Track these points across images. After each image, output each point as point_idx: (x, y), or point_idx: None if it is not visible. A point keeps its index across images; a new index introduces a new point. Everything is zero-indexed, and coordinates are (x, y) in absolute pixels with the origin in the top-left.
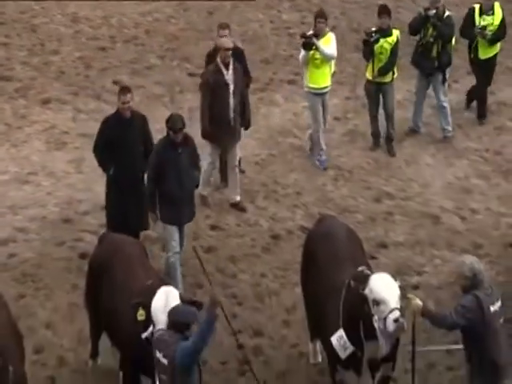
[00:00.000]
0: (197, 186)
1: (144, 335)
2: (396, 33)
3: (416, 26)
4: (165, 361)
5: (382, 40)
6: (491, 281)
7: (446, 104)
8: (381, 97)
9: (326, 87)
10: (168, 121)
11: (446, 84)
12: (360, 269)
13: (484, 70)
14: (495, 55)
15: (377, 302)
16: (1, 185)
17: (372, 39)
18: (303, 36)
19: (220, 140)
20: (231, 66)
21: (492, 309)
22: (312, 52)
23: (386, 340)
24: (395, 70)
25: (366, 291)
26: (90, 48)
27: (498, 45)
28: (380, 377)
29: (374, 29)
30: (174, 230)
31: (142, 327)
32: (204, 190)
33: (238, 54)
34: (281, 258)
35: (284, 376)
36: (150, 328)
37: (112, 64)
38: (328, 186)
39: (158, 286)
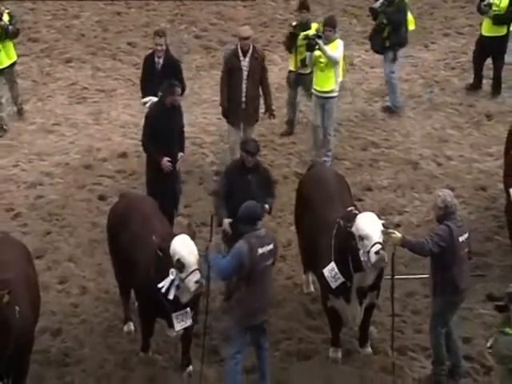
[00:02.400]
0: (269, 213)
1: (161, 285)
2: (315, 26)
3: (372, 13)
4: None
5: (302, 33)
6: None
7: (393, 81)
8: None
9: (329, 91)
10: (244, 143)
11: (396, 62)
12: (349, 209)
13: (482, 48)
14: (500, 38)
15: (361, 238)
16: (29, 134)
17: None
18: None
19: (234, 120)
20: (249, 54)
21: (460, 239)
22: (318, 54)
23: (371, 271)
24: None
25: (353, 229)
26: (107, 13)
27: (505, 29)
28: (366, 304)
29: (294, 23)
30: None
31: (156, 276)
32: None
33: (173, 65)
34: (278, 201)
35: (280, 304)
36: (169, 278)
37: (127, 27)
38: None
39: (173, 236)
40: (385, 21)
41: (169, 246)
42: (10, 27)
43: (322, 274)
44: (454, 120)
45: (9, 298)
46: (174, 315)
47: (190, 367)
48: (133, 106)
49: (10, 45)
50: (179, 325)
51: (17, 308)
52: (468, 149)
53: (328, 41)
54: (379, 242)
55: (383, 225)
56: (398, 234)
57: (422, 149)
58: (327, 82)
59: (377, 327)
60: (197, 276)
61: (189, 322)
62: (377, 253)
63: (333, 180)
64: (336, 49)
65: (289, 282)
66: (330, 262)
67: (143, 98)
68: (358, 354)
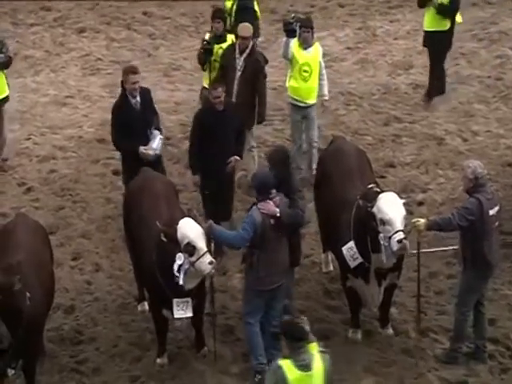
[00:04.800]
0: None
1: (175, 272)
2: (231, 38)
3: None
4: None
5: (216, 46)
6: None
7: None
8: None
9: (309, 103)
10: (272, 154)
11: None
12: (369, 186)
13: (428, 44)
14: (443, 33)
15: (383, 222)
16: (41, 106)
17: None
18: (286, 24)
19: None
20: (246, 53)
21: (491, 212)
22: (301, 63)
23: (390, 256)
24: None
25: (374, 209)
26: None
27: (448, 24)
28: (387, 284)
29: (207, 36)
30: None
31: (158, 262)
32: None
33: (145, 94)
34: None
35: (298, 283)
36: (176, 263)
37: None
38: (340, 110)
39: (177, 221)
40: None
41: (174, 232)
42: (1, 56)
43: (341, 252)
44: (480, 94)
45: (19, 285)
46: (175, 301)
47: (205, 348)
48: (148, 78)
49: (1, 77)
50: (179, 313)
51: (28, 294)
52: (495, 124)
53: (306, 44)
54: (402, 230)
55: (405, 204)
56: (421, 221)
57: (447, 124)
58: (310, 94)
59: (398, 308)
60: (209, 257)
61: (189, 313)
62: (399, 241)
63: (354, 156)
64: (318, 55)
65: (307, 260)
66: (349, 240)
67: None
68: (378, 335)
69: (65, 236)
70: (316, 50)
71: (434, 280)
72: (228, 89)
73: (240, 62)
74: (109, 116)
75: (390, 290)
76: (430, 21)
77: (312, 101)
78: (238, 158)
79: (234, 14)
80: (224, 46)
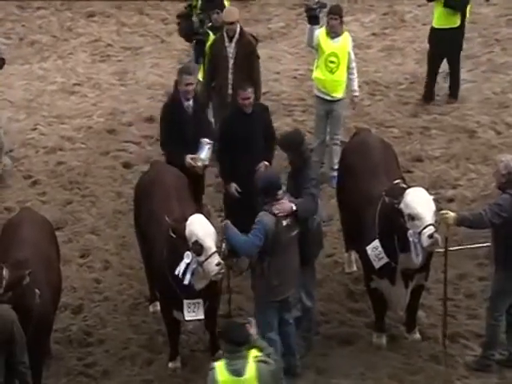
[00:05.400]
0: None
1: (177, 271)
2: None
3: None
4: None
5: (212, 37)
6: None
7: None
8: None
9: (336, 97)
10: (285, 137)
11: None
12: (396, 182)
13: (434, 41)
14: (453, 30)
15: (412, 217)
16: (48, 95)
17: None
18: (308, 9)
19: (219, 114)
20: (235, 39)
21: None
22: (327, 53)
23: (420, 253)
24: None
25: (402, 205)
26: None
27: (457, 20)
28: (413, 286)
29: (195, 21)
30: None
31: (169, 259)
32: None
33: (199, 98)
34: (317, 171)
35: (320, 284)
36: (183, 261)
37: None
38: (365, 100)
39: (187, 216)
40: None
41: (183, 228)
42: None
43: (365, 252)
44: None
45: (28, 282)
46: (185, 302)
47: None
48: (161, 66)
49: None
50: (189, 315)
51: (37, 291)
52: None
53: (334, 33)
54: (432, 224)
55: (434, 200)
56: (451, 214)
57: (480, 115)
58: (337, 88)
59: (426, 311)
60: (217, 258)
61: (200, 315)
62: (430, 236)
63: (379, 149)
64: (347, 46)
65: (329, 260)
66: (374, 239)
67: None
68: (404, 340)
69: (73, 232)
70: (345, 39)
71: (464, 282)
72: (222, 81)
73: (231, 49)
74: (119, 105)
75: (417, 291)
76: (438, 17)
77: (338, 95)
78: (267, 163)
79: None
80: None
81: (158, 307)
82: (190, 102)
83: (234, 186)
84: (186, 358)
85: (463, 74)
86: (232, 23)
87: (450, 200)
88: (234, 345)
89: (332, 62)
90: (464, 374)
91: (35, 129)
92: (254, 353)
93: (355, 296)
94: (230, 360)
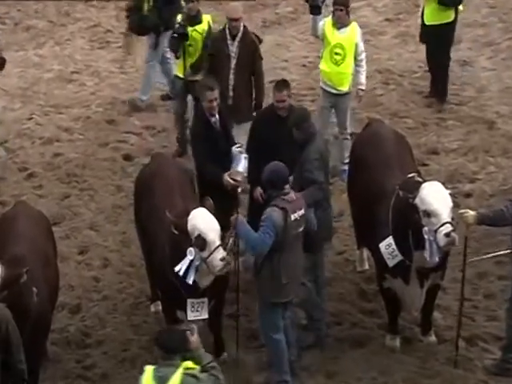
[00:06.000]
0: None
1: (178, 267)
2: (207, 19)
3: None
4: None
5: (190, 29)
6: None
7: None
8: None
9: (341, 90)
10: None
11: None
12: (410, 176)
13: (429, 39)
14: (446, 26)
15: (428, 214)
16: (45, 83)
17: (179, 32)
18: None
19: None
20: (239, 37)
21: None
22: (333, 44)
23: (435, 252)
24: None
25: (417, 201)
26: None
27: (452, 14)
28: (429, 285)
29: (179, 19)
30: None
31: (172, 256)
32: None
33: (222, 109)
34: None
35: (330, 283)
36: (186, 258)
37: None
38: (377, 89)
39: (189, 211)
40: None
41: (185, 223)
42: None
43: (378, 249)
44: None
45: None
46: (189, 301)
47: (225, 354)
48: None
49: None
50: (193, 314)
51: (34, 290)
52: None
53: (341, 24)
54: (450, 222)
55: (451, 195)
56: (471, 213)
57: (499, 105)
58: (343, 81)
59: (442, 312)
60: (222, 253)
61: (204, 315)
62: (447, 235)
63: (392, 141)
64: (355, 37)
65: (340, 257)
66: (388, 236)
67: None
68: (419, 343)
69: (70, 227)
70: (353, 30)
71: (483, 281)
72: (222, 80)
73: (233, 48)
74: (119, 94)
75: (433, 291)
76: (431, 13)
77: (344, 88)
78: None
79: None
80: (199, 28)
81: (160, 307)
82: (216, 117)
83: (259, 191)
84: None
85: (482, 62)
86: (236, 20)
87: (468, 195)
88: (165, 351)
89: (337, 53)
90: (483, 379)
91: (31, 119)
92: (187, 364)
93: (367, 296)
94: (160, 367)
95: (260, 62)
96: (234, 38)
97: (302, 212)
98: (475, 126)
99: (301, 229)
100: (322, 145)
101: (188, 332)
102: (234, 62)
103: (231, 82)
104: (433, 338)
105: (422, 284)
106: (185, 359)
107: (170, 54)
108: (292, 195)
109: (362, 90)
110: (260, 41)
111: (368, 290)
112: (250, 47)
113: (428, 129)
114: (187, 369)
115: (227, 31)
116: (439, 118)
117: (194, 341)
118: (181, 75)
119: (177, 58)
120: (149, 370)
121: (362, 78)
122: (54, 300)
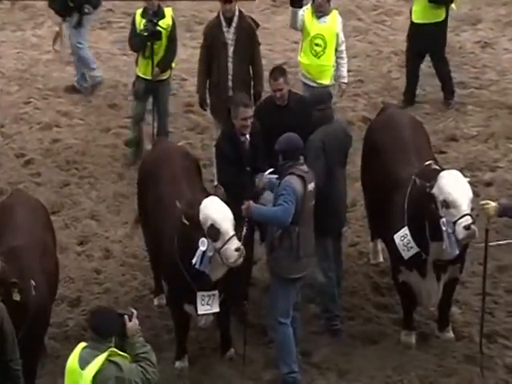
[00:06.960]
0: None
1: (194, 260)
2: (169, 13)
3: None
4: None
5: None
6: None
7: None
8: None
9: (322, 83)
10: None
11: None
12: (427, 163)
13: (415, 38)
14: (437, 24)
15: (446, 204)
16: (43, 65)
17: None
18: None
19: (218, 111)
20: (235, 23)
21: None
22: (313, 35)
23: (454, 244)
24: (173, 63)
25: (435, 190)
26: None
27: (442, 13)
28: (446, 279)
29: (138, 15)
30: None
31: (181, 248)
32: None
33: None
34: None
35: (343, 276)
36: (199, 249)
37: None
38: (393, 73)
39: (201, 200)
40: None
41: (197, 212)
42: None
43: (393, 241)
44: None
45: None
46: (199, 294)
47: (232, 350)
48: None
49: None
50: (203, 308)
51: (32, 283)
52: None
53: (321, 13)
54: (469, 214)
55: (470, 184)
56: (492, 204)
57: None
58: (323, 73)
59: (460, 308)
60: (236, 243)
61: (215, 309)
62: (466, 228)
63: (408, 127)
64: (336, 27)
65: (352, 249)
66: (403, 227)
67: None
68: (436, 340)
69: (70, 217)
70: (333, 19)
71: (504, 275)
72: (221, 71)
73: (230, 34)
74: (121, 77)
75: (451, 285)
76: (420, 11)
77: (325, 81)
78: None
79: None
80: (163, 23)
81: (164, 300)
82: (247, 136)
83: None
84: (195, 357)
85: (504, 43)
86: (229, 1)
87: (488, 184)
88: (95, 333)
89: (317, 44)
90: (503, 377)
91: (29, 102)
92: (114, 351)
93: (381, 290)
94: (87, 348)
95: (258, 48)
96: (229, 24)
97: (313, 185)
98: (496, 110)
99: (312, 203)
100: (333, 131)
101: (126, 316)
102: (231, 50)
103: (230, 72)
104: (450, 335)
105: (439, 277)
106: (118, 345)
107: (82, 41)
108: (305, 167)
109: (345, 83)
110: (257, 25)
111: (382, 284)
112: (248, 32)
113: (446, 114)
114: (113, 355)
115: (221, 17)
116: (458, 103)
117: (132, 327)
118: (142, 75)
119: (144, 57)
120: (79, 346)
121: (344, 71)
122: (53, 293)
